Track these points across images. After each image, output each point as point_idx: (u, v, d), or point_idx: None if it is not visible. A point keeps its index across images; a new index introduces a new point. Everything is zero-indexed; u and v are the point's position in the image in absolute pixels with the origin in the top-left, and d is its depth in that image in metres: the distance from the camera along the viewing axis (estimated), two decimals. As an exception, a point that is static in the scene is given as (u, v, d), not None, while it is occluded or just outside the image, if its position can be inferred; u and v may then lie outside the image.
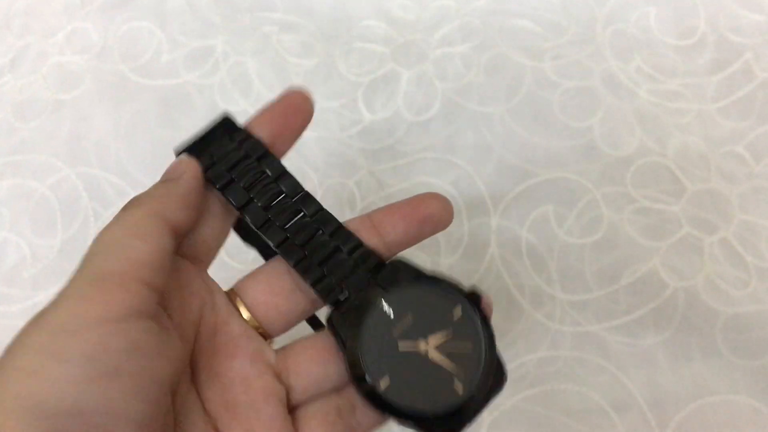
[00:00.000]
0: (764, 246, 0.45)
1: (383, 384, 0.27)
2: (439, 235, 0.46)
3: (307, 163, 0.49)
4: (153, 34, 0.53)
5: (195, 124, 0.50)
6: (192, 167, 0.29)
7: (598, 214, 0.46)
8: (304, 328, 0.31)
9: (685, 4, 0.53)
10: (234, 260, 0.45)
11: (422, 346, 0.27)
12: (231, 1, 0.55)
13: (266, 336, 0.29)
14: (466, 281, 0.45)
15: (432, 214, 0.30)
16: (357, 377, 0.27)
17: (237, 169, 0.29)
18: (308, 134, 0.50)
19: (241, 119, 0.51)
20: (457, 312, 0.28)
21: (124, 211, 0.27)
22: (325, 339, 0.29)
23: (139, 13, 0.54)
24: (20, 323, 0.46)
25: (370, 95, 0.51)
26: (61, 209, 0.48)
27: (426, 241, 0.46)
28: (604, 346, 0.43)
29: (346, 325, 0.28)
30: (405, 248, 0.30)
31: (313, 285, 0.28)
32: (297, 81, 0.51)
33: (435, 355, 0.27)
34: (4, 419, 0.21)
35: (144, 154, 0.49)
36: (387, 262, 0.29)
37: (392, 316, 0.28)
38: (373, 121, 0.50)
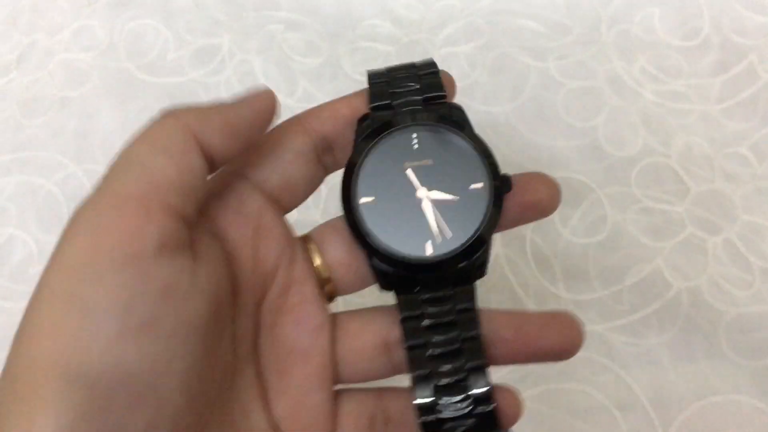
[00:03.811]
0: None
1: (363, 200, 0.26)
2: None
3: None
4: (159, 32, 0.54)
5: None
6: (264, 99, 0.26)
7: (602, 214, 0.46)
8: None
9: (690, 6, 0.53)
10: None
11: (421, 192, 0.27)
12: (237, -1, 0.55)
13: (335, 294, 0.28)
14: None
15: (539, 200, 0.27)
16: (346, 184, 0.27)
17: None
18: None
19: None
20: (476, 186, 0.27)
21: (155, 120, 0.24)
22: (385, 319, 0.27)
23: (145, 11, 0.55)
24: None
25: (375, 94, 0.51)
26: (68, 206, 0.48)
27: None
28: (608, 346, 0.43)
29: (368, 133, 0.27)
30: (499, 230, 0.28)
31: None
32: (302, 80, 0.52)
33: (427, 207, 0.26)
34: (35, 385, 0.18)
35: (150, 152, 0.50)
36: (449, 102, 0.28)
37: (414, 148, 0.27)
38: (378, 120, 0.51)
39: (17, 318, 0.45)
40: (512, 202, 0.27)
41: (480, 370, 0.25)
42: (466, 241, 0.26)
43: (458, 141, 0.27)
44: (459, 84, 0.51)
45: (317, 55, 0.53)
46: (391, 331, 0.27)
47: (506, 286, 0.45)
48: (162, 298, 0.20)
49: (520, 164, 0.48)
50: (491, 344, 0.26)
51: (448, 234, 0.26)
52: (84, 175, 0.49)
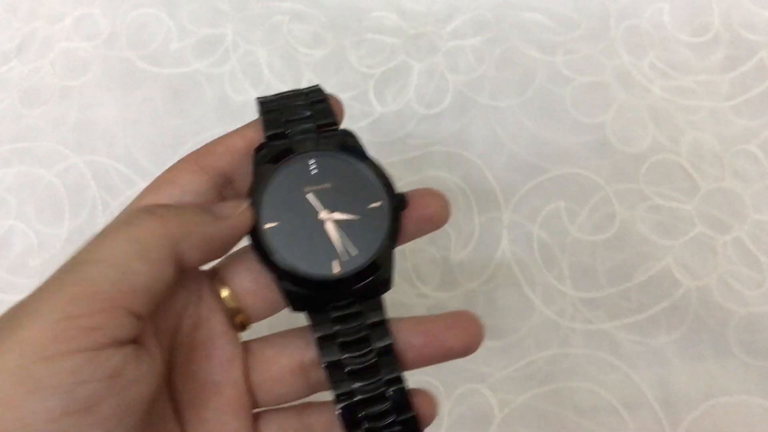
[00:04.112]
0: (777, 246, 0.44)
1: (268, 225, 0.27)
2: (450, 230, 0.46)
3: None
4: (162, 21, 0.53)
5: (204, 113, 0.50)
6: (243, 218, 0.27)
7: (611, 211, 0.46)
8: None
9: (699, 1, 0.53)
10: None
11: (324, 214, 0.28)
12: (241, -11, 0.54)
13: (246, 322, 0.29)
14: (477, 276, 0.44)
15: (431, 214, 0.29)
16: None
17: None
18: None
19: (250, 108, 0.50)
20: (375, 205, 0.28)
21: (138, 217, 0.25)
22: (299, 341, 0.28)
23: (148, -1, 0.54)
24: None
25: (381, 87, 0.51)
26: (69, 197, 0.47)
27: (437, 235, 0.46)
28: (615, 344, 0.42)
29: (266, 162, 0.28)
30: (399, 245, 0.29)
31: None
32: (307, 72, 0.51)
33: (330, 228, 0.28)
34: None
35: (152, 143, 0.49)
36: (341, 128, 0.30)
37: (313, 173, 0.28)
38: (383, 113, 0.50)
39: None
40: (408, 217, 0.29)
41: (396, 380, 0.27)
42: (371, 257, 0.28)
43: (354, 164, 0.29)
44: (466, 78, 0.51)
45: (323, 47, 0.52)
46: (305, 352, 0.28)
47: (513, 282, 0.45)
48: (107, 383, 0.21)
49: (528, 160, 0.48)
50: (402, 352, 0.28)
51: (353, 251, 0.28)
52: (85, 166, 0.48)
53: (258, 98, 0.31)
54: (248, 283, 0.29)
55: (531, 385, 0.42)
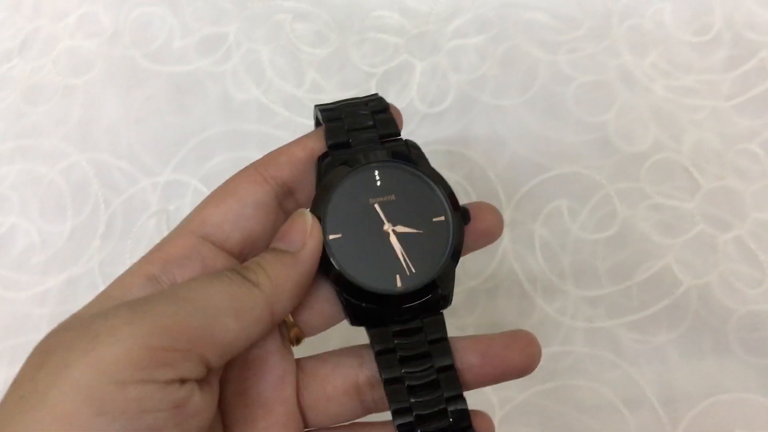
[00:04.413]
0: (778, 245, 0.45)
1: (332, 236, 0.27)
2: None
3: (319, 153, 0.49)
4: (165, 19, 0.53)
5: (206, 111, 0.50)
6: (315, 234, 0.27)
7: (612, 210, 0.46)
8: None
9: (701, 1, 0.53)
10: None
11: (388, 227, 0.28)
12: (244, -13, 0.54)
13: (300, 336, 0.29)
14: (478, 274, 0.45)
15: (488, 228, 0.29)
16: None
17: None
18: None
19: (253, 107, 0.50)
20: (439, 219, 0.28)
21: (237, 280, 0.25)
22: (353, 360, 0.28)
23: (151, -2, 0.54)
24: (29, 310, 0.45)
25: (383, 86, 0.51)
26: (71, 195, 0.47)
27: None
28: (616, 343, 0.43)
29: (333, 170, 0.28)
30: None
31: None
32: (310, 70, 0.51)
33: (394, 241, 0.27)
34: None
35: (155, 141, 0.49)
36: (404, 139, 0.30)
37: (377, 185, 0.28)
38: (385, 112, 0.50)
39: (19, 308, 0.45)
40: (467, 232, 0.29)
41: (458, 398, 0.27)
42: (434, 274, 0.27)
43: (418, 176, 0.29)
44: (468, 77, 0.51)
45: (325, 46, 0.52)
46: (359, 372, 0.28)
47: (514, 281, 0.45)
48: (171, 413, 0.22)
49: (530, 158, 0.48)
50: (461, 371, 0.27)
51: (416, 266, 0.27)
52: (88, 164, 0.48)
53: (317, 106, 0.30)
54: (305, 298, 0.28)
55: (532, 383, 0.42)
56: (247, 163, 0.47)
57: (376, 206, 0.28)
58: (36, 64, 0.52)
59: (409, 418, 0.26)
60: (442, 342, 0.27)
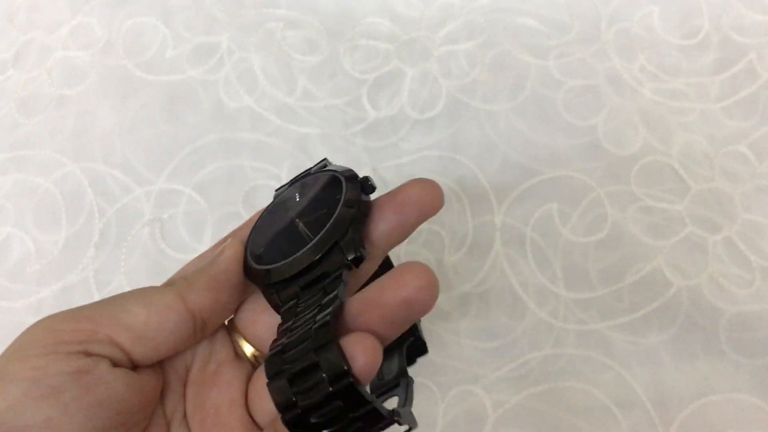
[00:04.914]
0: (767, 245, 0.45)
1: (254, 251, 0.29)
2: (444, 233, 0.47)
3: (310, 160, 0.49)
4: (157, 29, 0.53)
5: (200, 119, 0.50)
6: (232, 244, 0.29)
7: (602, 213, 0.46)
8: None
9: (689, 4, 0.53)
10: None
11: (293, 215, 0.29)
12: (235, -3, 0.55)
13: (260, 354, 0.29)
14: (470, 279, 0.45)
15: (417, 196, 0.27)
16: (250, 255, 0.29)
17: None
18: (312, 131, 0.50)
19: (245, 115, 0.51)
20: (337, 197, 0.28)
21: (151, 287, 0.27)
22: None
23: (144, 8, 0.54)
24: (24, 319, 0.46)
25: (374, 92, 0.51)
26: (66, 204, 0.48)
27: (430, 239, 0.47)
28: (608, 345, 0.43)
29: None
30: (394, 242, 0.28)
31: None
32: (302, 78, 0.51)
33: (302, 226, 0.28)
34: None
35: (148, 150, 0.49)
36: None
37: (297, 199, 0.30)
38: (377, 118, 0.50)
39: (14, 317, 0.46)
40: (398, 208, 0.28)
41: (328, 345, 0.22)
42: (325, 236, 0.27)
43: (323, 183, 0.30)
44: (458, 82, 0.51)
45: (317, 53, 0.52)
46: None
47: (506, 284, 0.45)
48: (72, 377, 0.24)
49: (521, 163, 0.48)
50: (357, 316, 0.24)
51: (315, 228, 0.28)
52: (82, 174, 0.49)
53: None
54: (248, 314, 0.30)
55: (524, 386, 0.42)
56: (239, 171, 0.47)
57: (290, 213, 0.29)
58: (30, 75, 0.53)
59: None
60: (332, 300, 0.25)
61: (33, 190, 0.48)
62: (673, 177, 0.47)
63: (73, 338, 0.24)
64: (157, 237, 0.47)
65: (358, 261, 0.26)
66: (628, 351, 0.43)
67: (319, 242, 0.27)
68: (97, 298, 0.45)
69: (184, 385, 0.29)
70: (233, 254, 0.28)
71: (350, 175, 0.29)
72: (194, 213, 0.48)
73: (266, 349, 0.26)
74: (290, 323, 0.25)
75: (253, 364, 0.29)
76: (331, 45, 0.53)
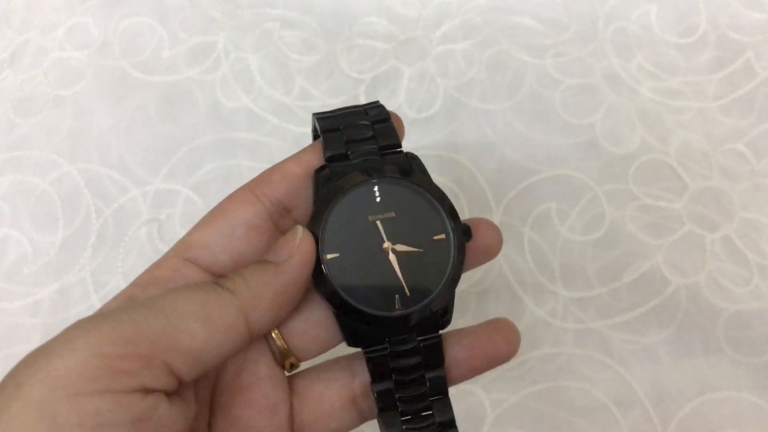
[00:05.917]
0: (766, 243, 0.45)
1: (330, 255, 0.26)
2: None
3: (309, 159, 0.49)
4: (154, 29, 0.53)
5: (196, 119, 0.50)
6: (304, 248, 0.25)
7: (600, 212, 0.46)
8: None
9: (686, 2, 0.53)
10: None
11: (387, 245, 0.27)
12: (232, -3, 0.55)
13: (296, 364, 0.28)
14: (468, 278, 0.45)
15: (489, 245, 0.29)
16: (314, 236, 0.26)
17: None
18: (309, 131, 0.50)
19: (242, 115, 0.51)
20: (439, 237, 0.27)
21: (208, 286, 0.24)
22: (345, 372, 0.28)
23: (140, 8, 0.54)
24: (21, 320, 0.46)
25: (371, 92, 0.51)
26: (62, 205, 0.48)
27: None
28: (606, 343, 0.43)
29: (329, 185, 0.27)
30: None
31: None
32: (299, 78, 0.51)
33: (394, 260, 0.26)
34: None
35: (145, 150, 0.49)
36: (404, 151, 0.28)
37: (377, 201, 0.27)
38: (375, 117, 0.50)
39: (11, 318, 0.45)
40: (468, 249, 0.28)
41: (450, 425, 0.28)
42: (435, 296, 0.27)
43: (419, 192, 0.28)
44: (456, 82, 0.51)
45: (314, 53, 0.52)
46: (353, 384, 0.28)
47: (504, 283, 0.45)
48: (132, 427, 0.21)
49: (518, 162, 0.48)
50: (449, 368, 0.28)
51: (416, 287, 0.26)
52: (79, 174, 0.49)
53: (315, 114, 0.29)
54: (298, 323, 0.28)
55: (523, 385, 0.42)
56: (236, 171, 0.47)
57: (378, 223, 0.27)
58: (26, 75, 0.52)
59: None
60: (439, 378, 0.27)
61: (29, 191, 0.48)
62: (671, 175, 0.47)
63: (129, 368, 0.21)
64: (155, 237, 0.46)
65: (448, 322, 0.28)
66: (627, 350, 0.43)
67: (424, 320, 0.27)
68: (94, 299, 0.45)
69: (212, 393, 0.26)
70: (302, 261, 0.25)
71: (456, 219, 0.28)
72: (191, 213, 0.47)
73: (298, 345, 0.28)
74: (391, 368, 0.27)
75: (287, 369, 0.28)
76: (328, 45, 0.53)
